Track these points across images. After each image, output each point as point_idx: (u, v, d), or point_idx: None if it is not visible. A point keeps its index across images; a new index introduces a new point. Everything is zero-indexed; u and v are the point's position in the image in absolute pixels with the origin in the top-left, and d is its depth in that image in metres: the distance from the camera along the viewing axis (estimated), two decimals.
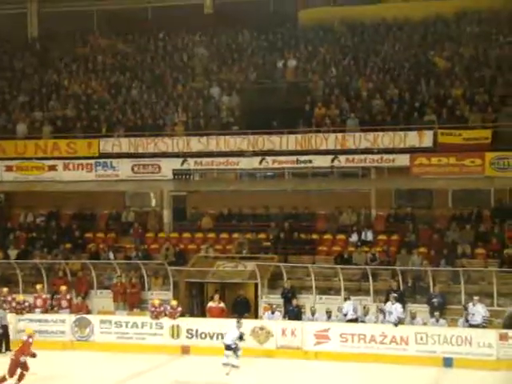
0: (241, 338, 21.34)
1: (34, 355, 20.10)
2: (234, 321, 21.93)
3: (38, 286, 25.79)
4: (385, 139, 26.41)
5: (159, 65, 32.56)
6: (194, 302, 26.39)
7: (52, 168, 29.12)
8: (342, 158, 26.64)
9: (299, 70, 30.64)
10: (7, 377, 19.79)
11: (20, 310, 25.07)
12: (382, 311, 23.24)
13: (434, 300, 23.51)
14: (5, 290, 25.84)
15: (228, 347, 21.06)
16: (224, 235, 28.28)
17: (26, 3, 36.15)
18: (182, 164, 28.08)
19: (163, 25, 33.59)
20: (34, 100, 32.08)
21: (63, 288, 25.65)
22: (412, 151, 26.08)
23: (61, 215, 30.57)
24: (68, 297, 25.57)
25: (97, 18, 35.70)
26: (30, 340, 20.35)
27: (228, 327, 21.87)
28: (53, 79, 33.15)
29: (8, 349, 23.77)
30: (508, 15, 30.20)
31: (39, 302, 25.42)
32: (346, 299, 23.92)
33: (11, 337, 24.17)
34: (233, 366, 20.92)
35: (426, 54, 29.65)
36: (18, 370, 19.88)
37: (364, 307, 23.78)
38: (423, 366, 21.49)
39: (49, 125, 30.31)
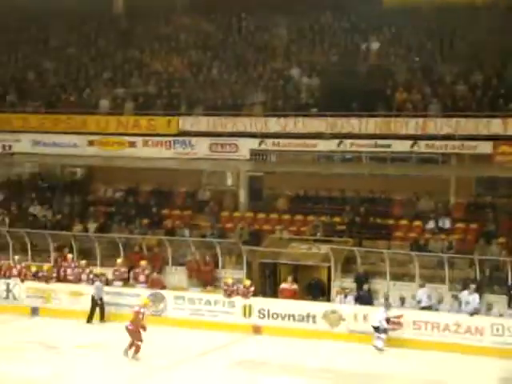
0: (387, 320, 21.50)
1: (144, 328, 20.46)
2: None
3: (119, 260, 26.22)
4: (467, 125, 25.94)
5: (240, 44, 32.56)
6: (267, 283, 26.38)
7: (132, 144, 29.52)
8: (422, 143, 26.29)
9: (382, 52, 30.26)
10: (138, 342, 20.30)
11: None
12: (457, 299, 22.89)
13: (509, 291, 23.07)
14: (83, 262, 26.41)
15: (375, 329, 21.37)
16: (299, 217, 28.20)
17: None
18: (260, 144, 28.11)
19: (246, 4, 33.49)
20: (116, 76, 32.53)
21: (143, 263, 26.02)
22: (495, 139, 25.53)
23: (139, 191, 31.01)
24: (146, 272, 25.89)
25: None
26: (143, 310, 20.78)
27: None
28: (135, 56, 33.52)
29: (103, 319, 24.51)
30: None
31: (117, 276, 25.89)
32: (420, 286, 23.61)
33: (88, 308, 24.81)
34: (376, 348, 21.04)
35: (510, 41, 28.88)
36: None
37: (439, 296, 23.49)
38: (498, 358, 21.11)
39: (130, 101, 30.71)
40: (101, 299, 24.81)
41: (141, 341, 20.33)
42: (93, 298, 24.76)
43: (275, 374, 19.52)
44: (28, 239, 27.64)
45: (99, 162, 30.62)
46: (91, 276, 25.81)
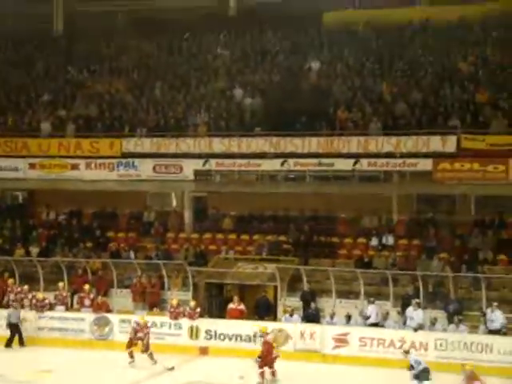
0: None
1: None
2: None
3: (61, 284, 25.97)
4: (407, 143, 26.39)
5: (182, 65, 32.65)
6: (213, 303, 26.44)
7: (74, 167, 29.33)
8: (364, 161, 26.63)
9: (323, 72, 30.64)
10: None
11: (41, 307, 25.26)
12: (402, 315, 23.18)
13: (450, 306, 23.45)
14: (25, 287, 26.05)
15: None
16: (244, 237, 28.31)
17: (52, 2, 36.28)
18: (204, 165, 28.18)
19: (187, 26, 33.65)
20: (58, 99, 32.30)
21: (87, 287, 25.81)
22: (435, 156, 26.01)
23: (82, 214, 30.75)
24: (91, 296, 25.67)
25: (121, 18, 35.84)
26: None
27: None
28: (76, 78, 33.35)
29: (22, 344, 24.15)
30: None
31: (60, 300, 25.60)
32: (369, 302, 23.83)
33: (32, 333, 24.61)
34: None
35: (450, 59, 29.53)
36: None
37: (384, 312, 23.77)
38: (443, 372, 21.39)
39: (72, 124, 30.53)
40: (16, 324, 24.42)
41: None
42: (10, 324, 24.39)
43: None
44: None
45: (41, 185, 30.27)
46: (34, 301, 25.47)
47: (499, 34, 30.19)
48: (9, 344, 24.28)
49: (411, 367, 19.06)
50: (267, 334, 21.30)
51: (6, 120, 31.47)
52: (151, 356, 21.96)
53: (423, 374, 19.10)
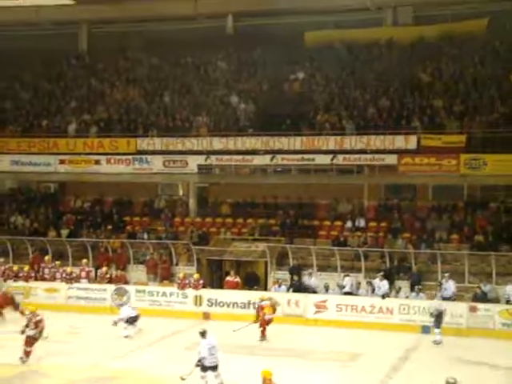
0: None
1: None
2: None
3: (84, 261, 25.99)
4: (376, 142, 26.41)
5: (187, 76, 32.56)
6: (214, 276, 26.48)
7: (97, 162, 29.28)
8: (340, 157, 26.65)
9: (305, 82, 30.59)
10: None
11: (69, 279, 25.30)
12: (371, 285, 23.29)
13: (414, 278, 23.57)
14: (57, 263, 26.08)
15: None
16: (239, 220, 28.32)
17: (78, 25, 36.17)
18: (206, 160, 28.17)
19: (192, 43, 33.55)
20: (83, 105, 32.20)
21: (104, 268, 25.82)
22: (399, 152, 26.05)
23: (104, 202, 30.70)
24: (112, 271, 25.81)
25: (136, 37, 35.71)
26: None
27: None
28: (98, 88, 33.25)
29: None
30: (481, 40, 30.02)
31: (83, 274, 25.63)
32: (346, 275, 23.87)
33: (63, 301, 24.74)
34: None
35: (411, 71, 29.52)
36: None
37: (357, 282, 23.84)
38: (405, 333, 21.55)
39: (95, 126, 30.45)
40: None
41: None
42: None
43: (226, 352, 19.51)
44: (9, 244, 27.19)
45: (69, 178, 30.28)
46: (64, 275, 25.50)
47: (451, 50, 30.16)
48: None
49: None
50: (263, 300, 21.20)
51: (40, 123, 31.35)
52: None
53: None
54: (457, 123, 26.30)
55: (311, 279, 24.01)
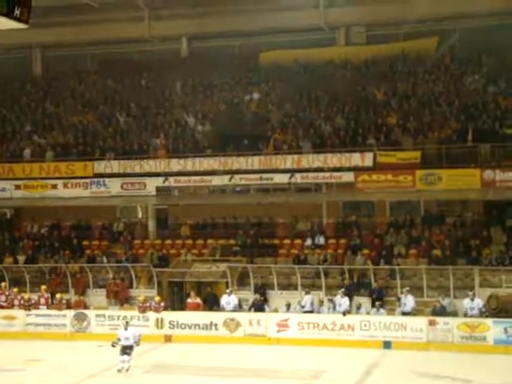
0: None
1: None
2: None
3: (43, 287, 25.65)
4: (333, 160, 26.61)
5: (144, 98, 32.52)
6: (175, 298, 26.36)
7: (54, 186, 28.91)
8: (298, 175, 26.77)
9: (261, 102, 30.81)
10: None
11: (27, 306, 24.94)
12: (332, 302, 23.44)
13: (374, 294, 23.81)
14: (15, 289, 25.71)
15: None
16: (200, 241, 28.27)
17: (32, 49, 35.92)
18: (164, 182, 28.04)
19: (147, 65, 33.59)
20: (38, 129, 31.91)
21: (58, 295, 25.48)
22: (356, 169, 26.33)
23: (61, 226, 30.32)
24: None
25: (90, 60, 35.64)
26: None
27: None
28: (53, 111, 33.00)
29: None
30: (432, 58, 30.70)
31: (42, 300, 25.29)
32: (306, 293, 23.97)
33: (22, 328, 24.41)
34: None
35: (366, 89, 29.99)
36: None
37: (319, 300, 23.97)
38: (367, 349, 21.73)
39: (51, 150, 30.17)
40: None
41: None
42: None
43: (189, 375, 19.48)
44: None
45: (25, 203, 29.85)
46: (22, 301, 25.12)
47: (404, 69, 30.75)
48: None
49: None
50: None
51: None
52: None
53: None
54: (411, 140, 26.72)
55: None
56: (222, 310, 24.02)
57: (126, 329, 19.73)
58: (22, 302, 25.10)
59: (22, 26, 9.06)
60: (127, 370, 19.23)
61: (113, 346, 19.51)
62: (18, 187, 29.21)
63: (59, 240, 29.33)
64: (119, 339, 19.46)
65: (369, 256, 25.63)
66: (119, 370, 19.22)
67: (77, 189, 28.73)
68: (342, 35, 33.07)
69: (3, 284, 25.92)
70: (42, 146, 30.62)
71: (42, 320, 24.59)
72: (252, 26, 31.76)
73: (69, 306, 25.01)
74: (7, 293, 25.60)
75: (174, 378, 19.30)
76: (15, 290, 25.69)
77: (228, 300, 24.09)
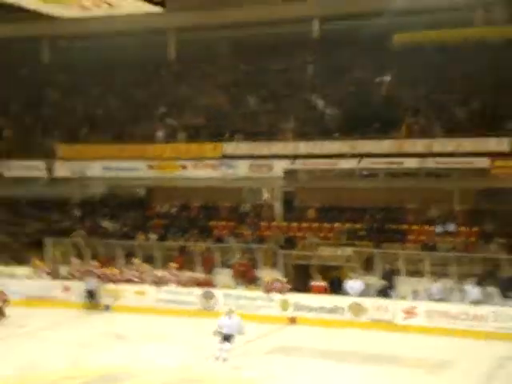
0: None
1: None
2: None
3: (172, 264, 26.38)
4: (466, 144, 25.66)
5: (273, 80, 32.62)
6: (300, 281, 26.35)
7: (184, 167, 29.69)
8: (429, 159, 26.06)
9: (392, 84, 30.11)
10: None
11: (159, 283, 25.73)
12: (462, 291, 22.68)
13: (506, 284, 22.77)
14: (147, 266, 26.59)
15: None
16: (326, 225, 28.08)
17: (167, 32, 36.87)
18: (291, 164, 28.12)
19: (278, 47, 33.65)
20: (170, 111, 32.79)
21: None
22: (491, 155, 25.21)
23: (190, 207, 31.09)
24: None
25: (222, 43, 36.16)
26: None
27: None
28: (186, 94, 33.78)
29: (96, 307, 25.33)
30: None
31: (172, 278, 25.97)
32: (435, 281, 23.37)
33: (153, 304, 25.23)
34: None
35: (505, 71, 28.45)
36: None
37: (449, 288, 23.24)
38: (499, 340, 20.84)
39: (182, 131, 30.94)
40: (91, 291, 25.46)
41: None
42: (88, 292, 25.48)
43: (309, 358, 19.44)
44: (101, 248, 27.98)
45: (157, 183, 30.85)
46: (153, 278, 25.97)
47: None
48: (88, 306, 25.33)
49: None
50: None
51: (130, 130, 32.05)
52: None
53: None
54: None
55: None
56: (346, 294, 23.80)
57: (229, 317, 18.91)
58: (153, 278, 25.90)
59: (158, 9, 9.18)
60: (224, 360, 18.30)
61: (215, 334, 18.74)
62: (150, 167, 30.15)
63: (188, 220, 30.05)
64: (220, 327, 18.69)
65: (503, 245, 24.49)
66: (217, 358, 18.36)
67: (206, 170, 29.30)
68: (479, 15, 31.63)
69: (136, 260, 26.90)
70: (175, 128, 31.42)
71: (171, 296, 25.27)
72: (385, 7, 31.00)
73: (197, 284, 25.56)
74: (140, 269, 26.52)
75: (292, 360, 19.19)
76: (147, 266, 26.54)
77: (352, 285, 23.83)
